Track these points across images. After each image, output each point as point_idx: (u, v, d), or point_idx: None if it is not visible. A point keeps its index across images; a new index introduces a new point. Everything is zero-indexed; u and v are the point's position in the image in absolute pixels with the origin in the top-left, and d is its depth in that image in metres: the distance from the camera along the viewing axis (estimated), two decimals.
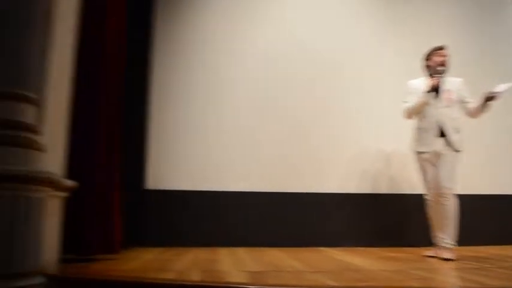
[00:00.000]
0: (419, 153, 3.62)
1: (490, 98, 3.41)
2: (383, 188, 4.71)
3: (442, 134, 3.52)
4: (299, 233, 4.43)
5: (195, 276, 2.32)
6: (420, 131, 3.65)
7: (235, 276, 2.32)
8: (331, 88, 4.84)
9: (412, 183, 4.29)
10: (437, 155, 3.52)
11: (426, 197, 3.65)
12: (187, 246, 4.06)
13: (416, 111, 3.64)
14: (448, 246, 3.40)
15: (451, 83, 3.63)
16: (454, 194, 3.45)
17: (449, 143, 3.49)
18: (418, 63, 3.80)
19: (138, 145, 4.35)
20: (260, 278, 2.33)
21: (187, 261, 2.99)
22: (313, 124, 4.72)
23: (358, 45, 4.98)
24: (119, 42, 3.29)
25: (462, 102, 3.61)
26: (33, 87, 1.94)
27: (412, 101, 3.62)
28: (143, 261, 2.99)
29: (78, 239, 2.84)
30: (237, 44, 4.82)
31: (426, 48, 3.76)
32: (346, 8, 5.09)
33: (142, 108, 4.47)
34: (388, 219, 4.55)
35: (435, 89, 3.55)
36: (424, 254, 3.58)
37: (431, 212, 3.59)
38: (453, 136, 3.51)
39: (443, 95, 3.56)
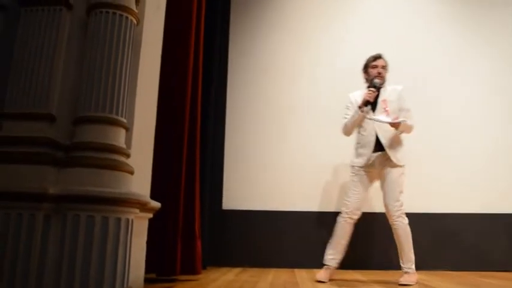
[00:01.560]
0: (356, 167, 3.37)
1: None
2: (473, 207, 4.39)
3: (380, 149, 3.29)
4: (378, 254, 4.25)
5: None
6: (358, 146, 3.42)
7: None
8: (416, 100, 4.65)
9: None
10: (377, 172, 3.33)
11: (342, 212, 3.35)
12: (264, 267, 4.03)
13: (352, 128, 3.44)
14: (410, 271, 3.18)
15: (391, 92, 3.39)
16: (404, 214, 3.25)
17: (387, 158, 3.26)
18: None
19: (215, 166, 4.40)
20: None
21: (267, 283, 2.94)
22: None
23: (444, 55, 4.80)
24: (198, 60, 3.37)
25: (400, 112, 3.32)
26: (124, 112, 2.01)
27: (349, 116, 3.43)
28: (224, 282, 2.98)
29: (160, 259, 2.88)
30: (309, 70, 4.79)
31: None
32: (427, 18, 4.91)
33: (219, 128, 4.54)
34: (473, 240, 4.26)
35: (369, 104, 3.31)
36: (317, 279, 3.20)
37: (340, 230, 3.32)
38: (391, 150, 3.26)
39: (380, 107, 3.32)
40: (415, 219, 4.27)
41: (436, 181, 4.43)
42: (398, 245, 3.25)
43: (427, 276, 3.59)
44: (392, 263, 3.51)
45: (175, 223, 2.90)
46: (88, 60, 2.01)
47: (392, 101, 3.33)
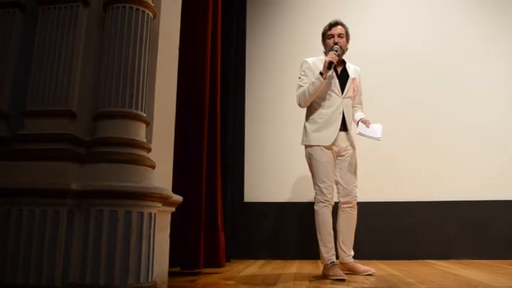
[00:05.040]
0: (319, 147, 2.93)
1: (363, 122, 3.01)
2: (504, 194, 4.26)
3: (344, 128, 3.00)
4: (404, 244, 4.20)
5: None
6: (320, 121, 2.97)
7: None
8: (443, 93, 4.58)
9: None
10: (340, 153, 2.99)
11: (321, 200, 2.89)
12: (287, 259, 4.01)
13: (313, 97, 2.96)
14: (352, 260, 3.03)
15: (354, 71, 3.13)
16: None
17: (350, 139, 3.03)
18: None
19: (235, 159, 4.39)
20: None
21: (291, 276, 2.93)
22: (421, 131, 4.49)
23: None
24: (216, 52, 3.36)
25: (359, 94, 3.17)
26: (143, 107, 2.01)
27: (306, 83, 3.00)
28: (247, 274, 2.97)
29: (184, 253, 2.88)
30: None
31: None
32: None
33: (239, 121, 4.53)
34: (504, 229, 4.16)
35: (332, 65, 2.90)
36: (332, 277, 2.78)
37: (325, 219, 2.89)
38: (352, 131, 3.05)
39: (351, 84, 3.05)
40: (442, 207, 4.25)
41: (464, 167, 4.35)
42: (346, 230, 3.03)
43: (454, 265, 3.53)
44: None
45: (197, 216, 2.90)
46: (106, 55, 2.01)
47: (357, 81, 3.13)
